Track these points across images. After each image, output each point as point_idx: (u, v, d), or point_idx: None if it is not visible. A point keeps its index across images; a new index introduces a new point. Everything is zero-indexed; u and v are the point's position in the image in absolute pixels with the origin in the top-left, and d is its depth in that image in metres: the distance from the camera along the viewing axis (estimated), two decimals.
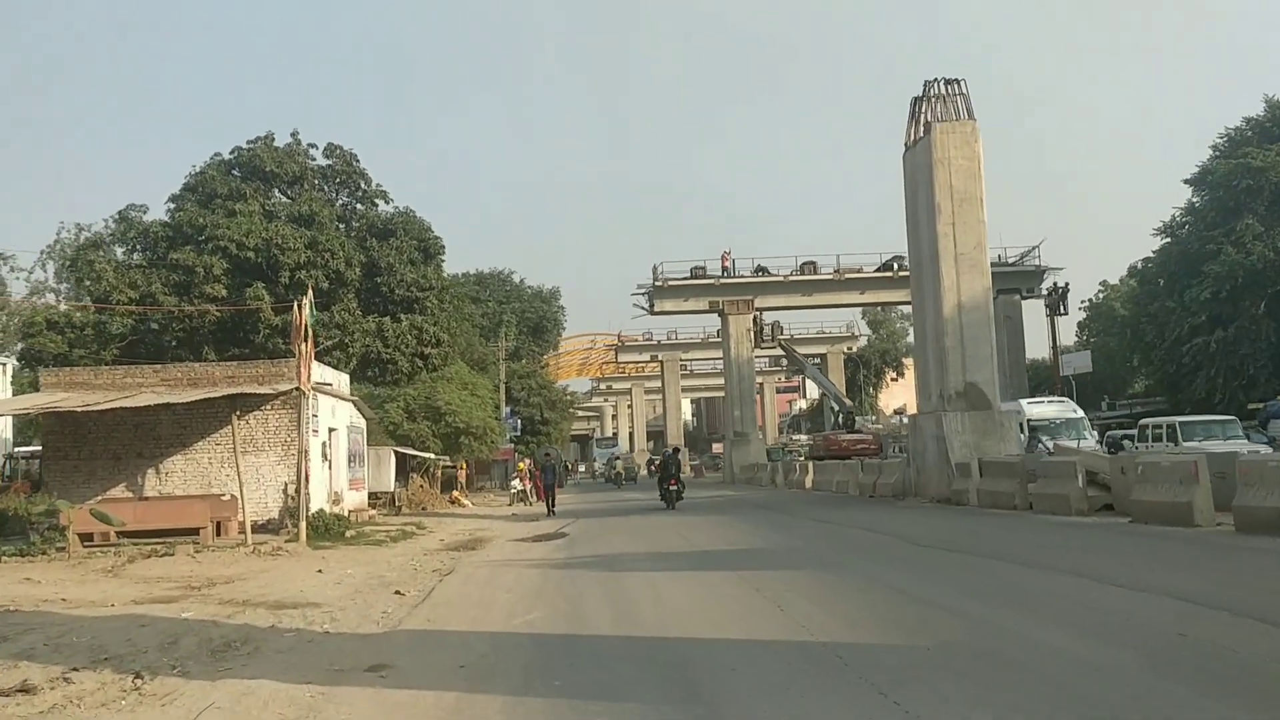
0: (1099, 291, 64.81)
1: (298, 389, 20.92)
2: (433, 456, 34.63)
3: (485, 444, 45.36)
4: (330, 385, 24.05)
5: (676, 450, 35.33)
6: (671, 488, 28.43)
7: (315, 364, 24.18)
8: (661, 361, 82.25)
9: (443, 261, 31.15)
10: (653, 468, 32.60)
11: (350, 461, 26.79)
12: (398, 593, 13.19)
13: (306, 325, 21.24)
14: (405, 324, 28.65)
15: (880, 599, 10.17)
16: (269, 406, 23.32)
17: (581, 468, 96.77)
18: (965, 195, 24.71)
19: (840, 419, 47.07)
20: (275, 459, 23.22)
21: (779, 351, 68.24)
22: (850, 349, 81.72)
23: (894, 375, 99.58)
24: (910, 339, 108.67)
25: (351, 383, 30.24)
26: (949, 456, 23.86)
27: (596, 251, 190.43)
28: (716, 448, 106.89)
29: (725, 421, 56.00)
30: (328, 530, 21.52)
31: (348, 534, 21.57)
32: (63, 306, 35.84)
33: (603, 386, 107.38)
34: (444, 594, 12.76)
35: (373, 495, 30.66)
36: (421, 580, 14.67)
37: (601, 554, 16.97)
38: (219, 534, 21.48)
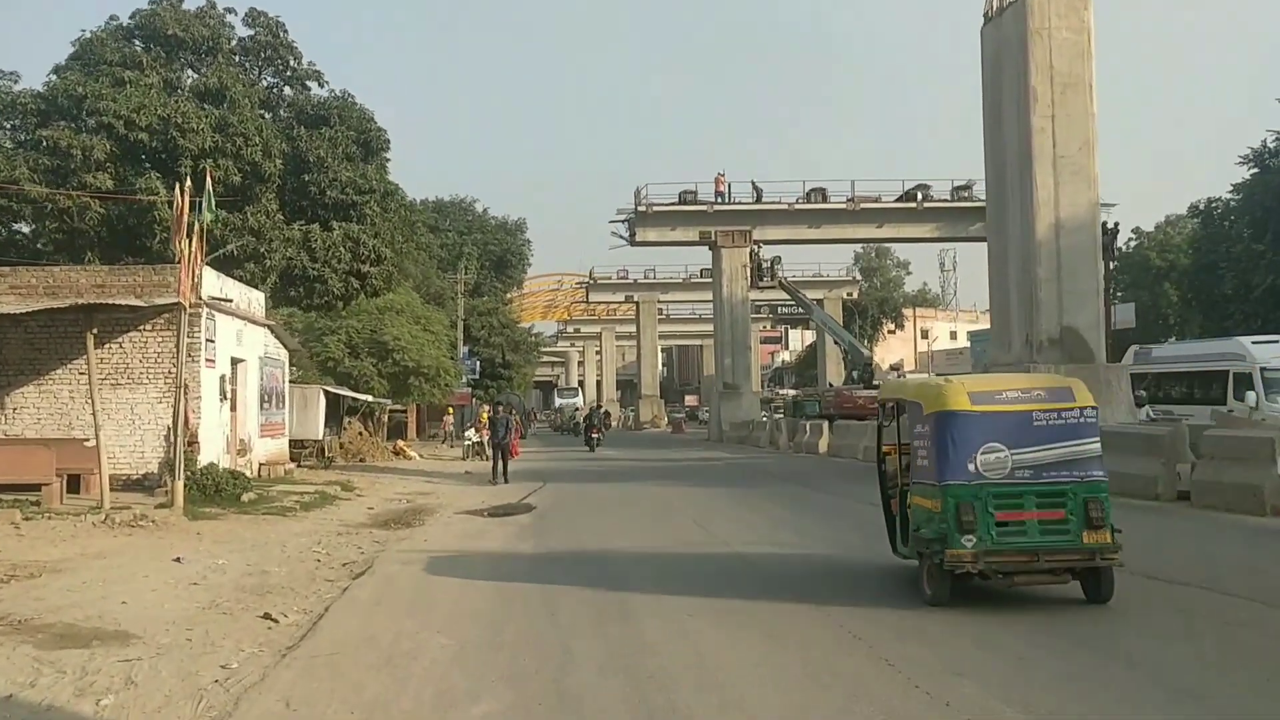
0: (1130, 240, 60.30)
1: (178, 303, 15.91)
2: (372, 399, 29.62)
3: (438, 387, 40.54)
4: (232, 303, 19.02)
5: (599, 407, 50.45)
6: (594, 435, 39.66)
7: (214, 275, 19.15)
8: (637, 303, 77.13)
9: (387, 161, 25.93)
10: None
11: (264, 402, 21.87)
12: (267, 617, 8.49)
13: (191, 216, 16.20)
14: (338, 234, 23.52)
15: None
16: (149, 327, 18.31)
17: (542, 416, 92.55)
18: (1070, 79, 19.94)
19: (856, 373, 42.56)
20: (157, 395, 18.29)
21: (768, 296, 63.32)
22: (851, 294, 77.12)
23: (892, 327, 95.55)
24: (909, 288, 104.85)
25: (272, 306, 25.18)
26: None
27: (568, 184, 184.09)
28: (689, 400, 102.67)
29: (715, 371, 51.43)
30: (219, 492, 16.81)
31: (245, 497, 16.84)
32: None
33: (570, 330, 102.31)
34: (336, 629, 8.02)
35: (298, 444, 25.80)
36: (317, 588, 9.98)
37: (587, 549, 12.28)
38: (75, 490, 16.79)
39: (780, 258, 47.97)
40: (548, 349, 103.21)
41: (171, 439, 17.64)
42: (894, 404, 9.49)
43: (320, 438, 25.88)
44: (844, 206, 47.80)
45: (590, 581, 9.72)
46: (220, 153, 21.65)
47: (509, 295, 73.74)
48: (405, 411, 51.15)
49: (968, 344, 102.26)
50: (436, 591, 9.49)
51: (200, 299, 17.68)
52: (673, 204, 47.68)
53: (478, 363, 55.79)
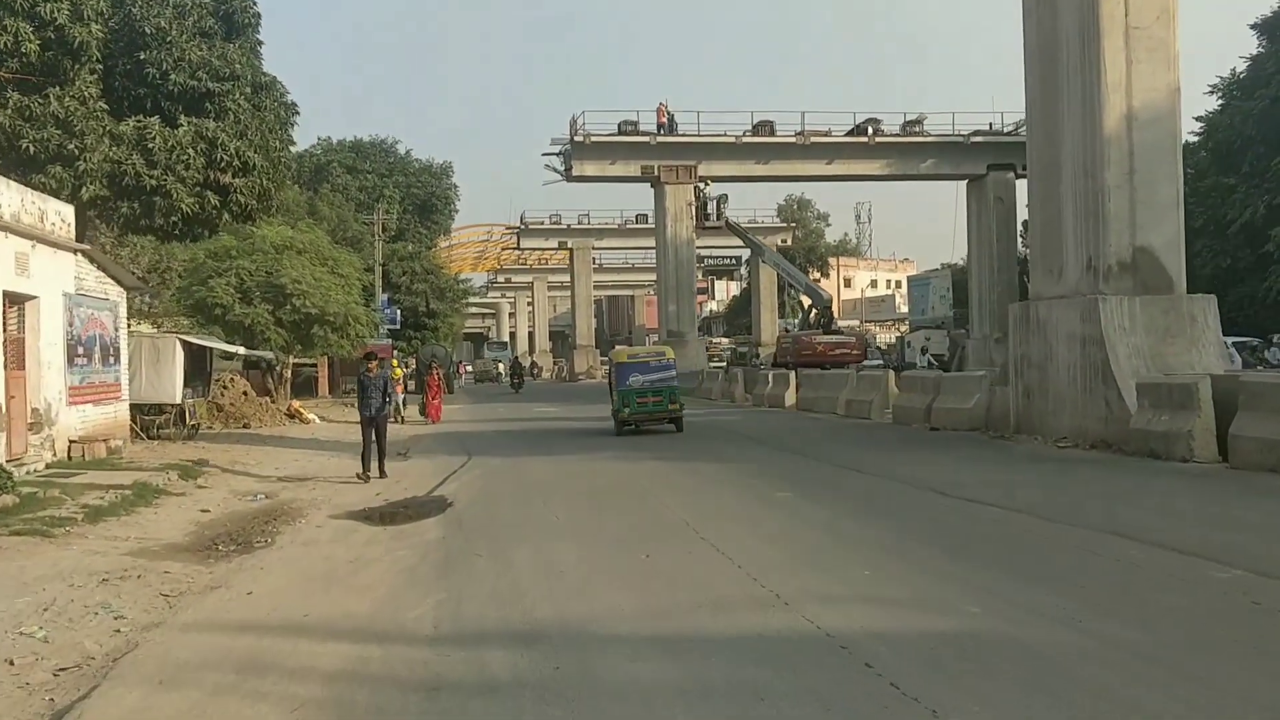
0: None
1: None
2: (245, 351, 22.92)
3: (347, 337, 33.88)
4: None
5: (519, 359, 58.60)
6: (517, 381, 45.95)
7: None
8: (571, 249, 70.55)
9: (259, 45, 19.20)
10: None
11: (81, 356, 15.36)
12: None
13: None
14: (185, 131, 16.86)
15: None
16: None
17: (469, 368, 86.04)
18: None
19: (814, 318, 37.12)
20: None
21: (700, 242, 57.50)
22: (785, 241, 71.79)
23: (817, 275, 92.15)
24: (830, 238, 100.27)
25: (118, 232, 18.54)
26: (1112, 371, 13.88)
27: (498, 131, 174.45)
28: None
29: (659, 318, 45.50)
30: None
31: None
32: None
33: (501, 279, 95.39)
34: None
35: (157, 410, 19.31)
36: None
37: (535, 623, 6.22)
38: None
39: (727, 196, 42.22)
40: (478, 300, 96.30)
41: None
42: (608, 360, 26.78)
43: (179, 401, 19.35)
44: (793, 140, 42.08)
45: None
46: (6, 8, 14.83)
47: (435, 241, 66.82)
48: (315, 366, 44.38)
49: (888, 292, 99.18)
50: None
51: None
52: (612, 135, 41.34)
53: (398, 312, 49.20)
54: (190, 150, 16.79)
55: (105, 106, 16.38)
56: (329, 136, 64.36)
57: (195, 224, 18.24)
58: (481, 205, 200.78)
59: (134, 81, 17.07)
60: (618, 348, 29.21)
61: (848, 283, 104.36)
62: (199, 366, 21.18)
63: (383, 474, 14.02)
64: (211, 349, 21.28)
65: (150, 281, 39.04)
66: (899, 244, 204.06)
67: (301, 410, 26.56)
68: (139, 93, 17.08)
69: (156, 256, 38.58)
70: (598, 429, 22.78)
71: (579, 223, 68.89)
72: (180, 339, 19.57)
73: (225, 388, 25.44)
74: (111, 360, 16.74)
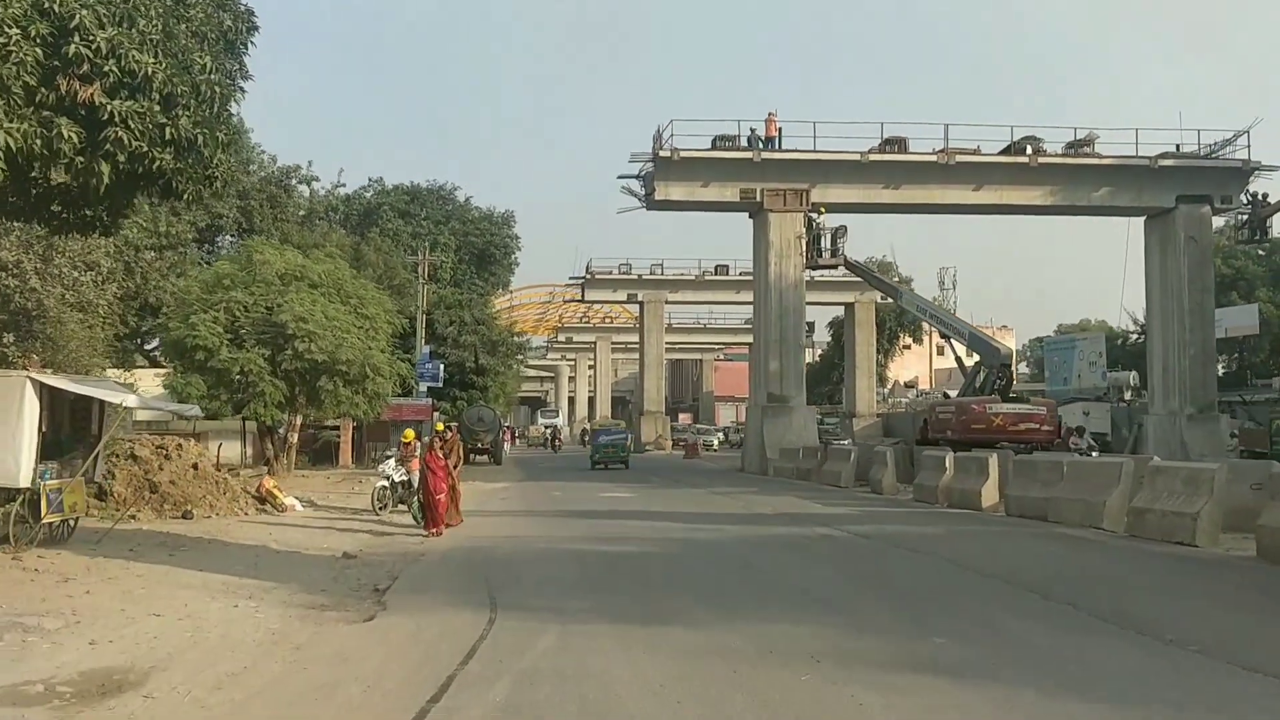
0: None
1: None
2: (134, 403, 14.16)
3: (362, 393, 26.17)
4: None
5: (586, 427, 69.27)
6: (556, 444, 61.52)
7: None
8: (642, 302, 62.64)
9: None
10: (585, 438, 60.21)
11: None
12: None
13: None
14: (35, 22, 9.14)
15: None
16: None
17: (516, 434, 78.59)
18: None
19: (986, 380, 28.19)
20: None
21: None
22: (882, 297, 62.90)
23: (909, 342, 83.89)
24: (924, 307, 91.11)
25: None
26: None
27: (565, 180, 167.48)
28: (684, 418, 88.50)
29: (753, 379, 37.05)
30: None
31: None
32: None
33: (562, 339, 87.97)
34: None
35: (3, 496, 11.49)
36: None
37: None
38: None
39: (845, 228, 33.93)
40: (536, 362, 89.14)
41: None
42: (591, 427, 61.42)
43: (27, 484, 11.42)
44: (933, 159, 33.80)
45: None
46: None
47: (492, 294, 59.75)
48: (338, 430, 36.78)
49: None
50: None
51: None
52: (705, 150, 33.50)
53: (441, 366, 41.52)
54: (14, 31, 9.11)
55: None
56: (381, 178, 58.35)
57: (36, 181, 10.46)
58: (544, 266, 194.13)
59: None
60: (593, 419, 50.27)
61: (940, 350, 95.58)
62: (79, 426, 13.28)
63: None
64: (103, 402, 13.24)
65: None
66: (989, 312, 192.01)
67: (276, 491, 18.49)
68: None
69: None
70: (708, 539, 14.50)
71: (651, 273, 61.14)
72: (33, 379, 11.66)
73: (168, 457, 17.63)
74: None
